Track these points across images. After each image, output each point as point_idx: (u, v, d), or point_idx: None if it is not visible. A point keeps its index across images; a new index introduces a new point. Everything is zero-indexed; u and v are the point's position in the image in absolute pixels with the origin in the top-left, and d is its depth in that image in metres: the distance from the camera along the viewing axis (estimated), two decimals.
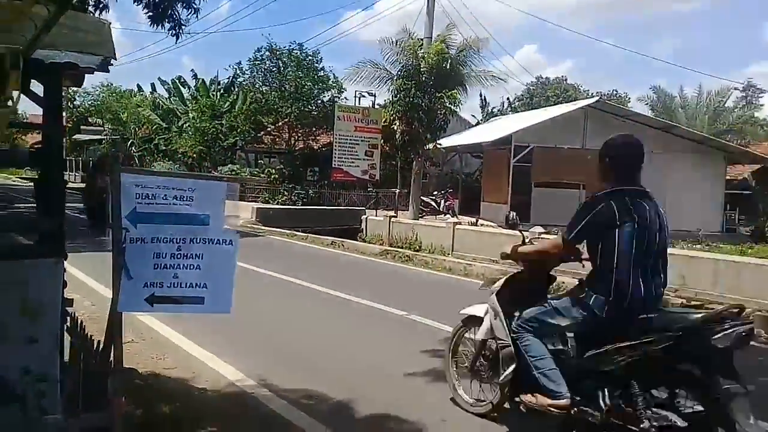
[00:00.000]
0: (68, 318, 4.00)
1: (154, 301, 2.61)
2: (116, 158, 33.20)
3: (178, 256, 2.62)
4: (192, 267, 2.64)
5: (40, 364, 3.14)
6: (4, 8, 2.34)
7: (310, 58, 32.44)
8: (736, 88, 41.03)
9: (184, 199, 2.64)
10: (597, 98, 30.51)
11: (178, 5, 12.17)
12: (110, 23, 5.28)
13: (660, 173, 24.41)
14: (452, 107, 25.33)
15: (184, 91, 38.69)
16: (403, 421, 5.22)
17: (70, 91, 38.62)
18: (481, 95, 45.04)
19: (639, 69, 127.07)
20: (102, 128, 44.09)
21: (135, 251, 2.55)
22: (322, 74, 32.77)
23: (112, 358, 2.70)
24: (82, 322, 3.81)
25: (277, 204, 27.72)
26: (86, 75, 4.75)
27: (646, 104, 38.05)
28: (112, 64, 4.40)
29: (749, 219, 27.01)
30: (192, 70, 42.74)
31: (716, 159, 25.60)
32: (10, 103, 2.54)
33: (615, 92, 53.66)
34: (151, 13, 12.26)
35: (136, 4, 11.90)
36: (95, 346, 3.34)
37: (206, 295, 2.68)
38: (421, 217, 24.96)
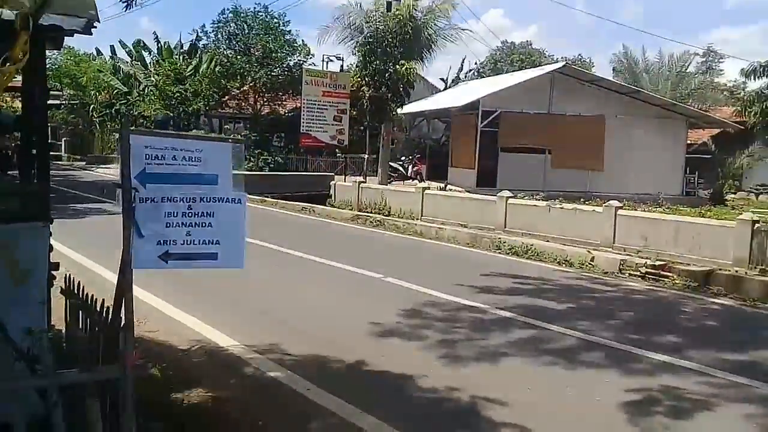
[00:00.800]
0: (63, 280, 4.05)
1: (168, 258, 2.70)
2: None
3: (190, 214, 2.71)
4: (204, 225, 2.73)
5: (30, 324, 3.21)
6: None
7: (276, 21, 31.91)
8: (696, 53, 41.74)
9: (192, 159, 2.71)
10: (563, 63, 30.72)
11: None
12: None
13: (625, 137, 24.97)
14: (416, 71, 25.35)
15: (146, 54, 37.72)
16: (383, 373, 5.42)
17: None
18: (449, 66, 44.87)
19: (604, 34, 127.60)
20: (60, 93, 42.79)
21: (146, 210, 2.63)
22: (289, 38, 32.30)
23: (123, 314, 2.79)
24: (79, 283, 3.86)
25: (244, 170, 27.47)
26: (65, 37, 4.72)
27: (614, 69, 38.53)
28: (95, 27, 4.38)
29: (708, 182, 27.80)
30: (154, 32, 41.68)
31: (678, 124, 26.19)
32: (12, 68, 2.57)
33: (580, 57, 54.10)
34: None
35: None
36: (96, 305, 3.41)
37: (219, 251, 2.78)
38: (390, 183, 25.09)
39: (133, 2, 12.35)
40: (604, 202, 14.17)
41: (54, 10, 4.02)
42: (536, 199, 17.06)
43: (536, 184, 23.00)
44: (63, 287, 3.93)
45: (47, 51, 4.76)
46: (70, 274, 4.12)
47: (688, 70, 36.68)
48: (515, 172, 23.65)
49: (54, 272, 4.08)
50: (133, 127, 21.82)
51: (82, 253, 9.95)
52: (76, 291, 3.80)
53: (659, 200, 21.25)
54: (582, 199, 18.41)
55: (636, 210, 14.74)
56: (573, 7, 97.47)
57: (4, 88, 3.22)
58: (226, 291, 7.97)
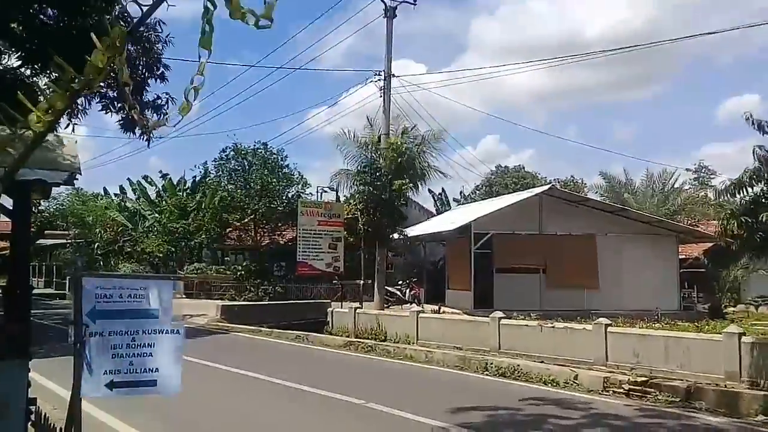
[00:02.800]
0: (32, 414, 4.27)
1: (113, 387, 2.97)
2: (78, 263, 33.32)
3: (133, 345, 3.01)
4: (145, 354, 3.02)
5: None
6: None
7: (274, 156, 33.40)
8: (688, 169, 43.18)
9: (137, 296, 3.05)
10: (550, 185, 31.80)
11: (149, 112, 12.93)
12: (77, 140, 5.83)
13: (616, 254, 25.33)
14: (410, 199, 26.29)
15: (151, 190, 39.24)
16: None
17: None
18: (442, 189, 46.31)
19: (596, 155, 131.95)
20: (67, 233, 44.01)
21: (95, 344, 2.94)
22: (286, 171, 33.67)
23: None
24: (46, 415, 4.09)
25: (244, 300, 27.79)
26: (52, 188, 5.22)
27: (596, 192, 39.74)
28: (77, 179, 4.89)
29: (706, 296, 27.86)
30: (160, 171, 43.45)
31: (668, 239, 26.64)
32: None
33: (572, 178, 55.68)
34: (122, 121, 12.95)
35: (105, 113, 12.60)
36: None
37: (158, 378, 3.06)
38: (387, 307, 25.24)
39: (152, 137, 13.25)
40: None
41: (38, 165, 4.53)
42: (531, 319, 17.16)
43: (533, 304, 23.11)
44: (33, 420, 4.15)
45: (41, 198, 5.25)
46: (40, 408, 4.34)
47: (675, 186, 37.76)
48: (512, 293, 23.81)
49: (31, 407, 4.31)
50: (135, 263, 22.36)
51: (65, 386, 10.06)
52: (43, 423, 4.02)
53: (657, 316, 21.27)
54: (579, 318, 18.47)
55: (632, 327, 14.83)
56: (562, 137, 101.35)
57: None
58: (193, 417, 8.06)
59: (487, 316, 16.34)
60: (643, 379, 10.77)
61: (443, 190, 46.35)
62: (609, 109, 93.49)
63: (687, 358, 11.65)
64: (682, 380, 10.74)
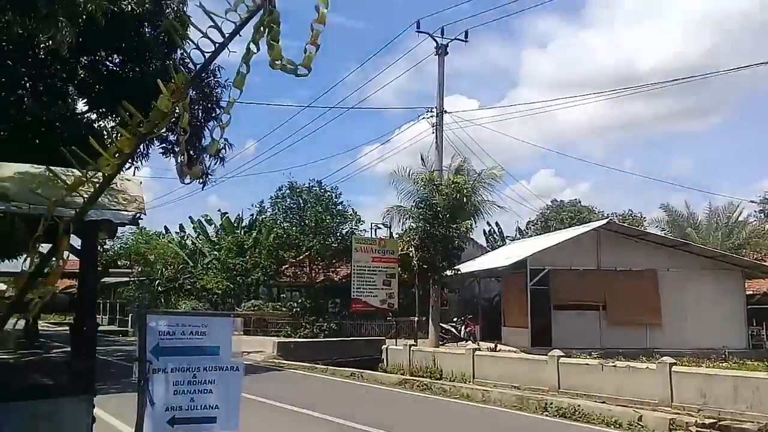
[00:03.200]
0: None
1: (174, 423, 3.04)
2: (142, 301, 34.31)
3: (194, 382, 3.08)
4: (205, 391, 3.08)
5: None
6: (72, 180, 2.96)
7: (328, 193, 33.84)
8: (752, 201, 41.56)
9: (198, 333, 3.13)
10: (608, 219, 31.12)
11: (206, 156, 13.42)
12: (141, 181, 6.06)
13: (678, 291, 24.49)
14: (466, 235, 26.13)
15: (210, 229, 40.28)
16: None
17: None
18: (496, 223, 45.95)
19: (655, 187, 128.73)
20: (130, 270, 45.40)
21: (157, 380, 3.02)
22: (340, 208, 34.01)
23: None
24: None
25: (300, 337, 27.94)
26: (117, 227, 5.43)
27: (656, 226, 38.61)
28: (141, 218, 5.07)
29: None
30: (219, 209, 44.65)
31: (734, 275, 25.60)
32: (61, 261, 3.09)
33: (630, 212, 54.39)
34: (179, 165, 13.47)
35: (165, 156, 13.14)
36: None
37: (218, 415, 3.11)
38: (442, 345, 24.96)
39: (207, 180, 13.69)
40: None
41: (105, 205, 4.73)
42: (591, 358, 16.71)
43: (593, 342, 22.51)
44: None
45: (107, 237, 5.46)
46: None
47: (739, 219, 36.40)
48: (570, 330, 23.27)
49: None
50: (194, 299, 22.86)
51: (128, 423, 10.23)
52: None
53: (724, 354, 20.40)
54: (642, 356, 17.90)
55: (698, 366, 14.29)
56: (619, 169, 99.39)
57: (61, 274, 3.77)
58: None
59: (546, 355, 15.98)
60: (712, 420, 10.31)
61: (497, 224, 45.98)
62: (667, 141, 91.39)
63: (757, 399, 11.11)
64: (752, 422, 10.23)
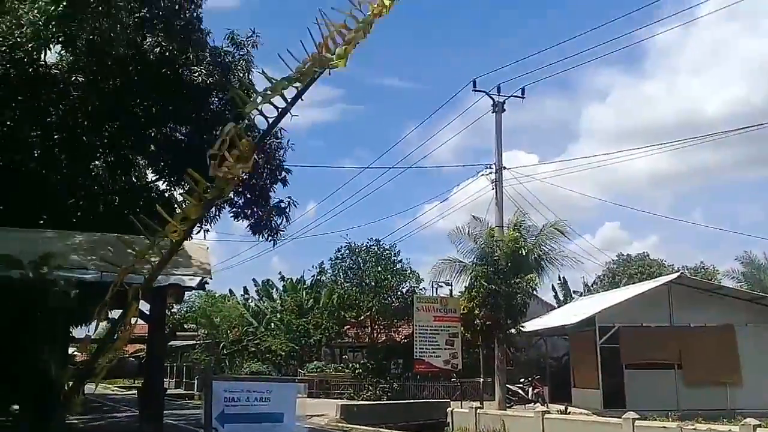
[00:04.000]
0: None
1: None
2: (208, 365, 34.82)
3: None
4: None
5: None
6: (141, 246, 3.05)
7: (387, 252, 33.87)
8: None
9: (263, 399, 3.10)
10: (679, 273, 29.92)
11: (275, 216, 13.83)
12: (207, 246, 6.19)
13: (759, 347, 23.15)
14: (531, 291, 25.54)
15: (273, 292, 40.83)
16: None
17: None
18: (559, 277, 44.87)
19: (726, 238, 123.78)
20: (196, 333, 46.21)
21: None
22: (399, 267, 33.94)
23: None
24: None
25: (362, 399, 27.59)
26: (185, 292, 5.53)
27: (732, 278, 36.82)
28: (208, 283, 5.15)
29: None
30: (279, 272, 45.24)
31: None
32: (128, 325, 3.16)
33: (702, 264, 52.23)
34: (251, 226, 13.99)
35: (236, 220, 13.57)
36: None
37: None
38: (509, 407, 24.14)
39: (277, 238, 14.05)
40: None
41: (173, 271, 4.83)
42: (669, 420, 15.85)
43: (669, 403, 21.38)
44: None
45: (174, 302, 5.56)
46: None
47: None
48: (645, 391, 22.19)
49: None
50: (259, 362, 23.07)
51: None
52: None
53: None
54: (722, 418, 16.88)
55: None
56: (688, 220, 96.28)
57: (129, 339, 3.85)
58: None
59: (620, 417, 15.21)
60: None
61: (564, 280, 44.84)
62: (736, 190, 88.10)
63: None
64: None
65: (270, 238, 13.76)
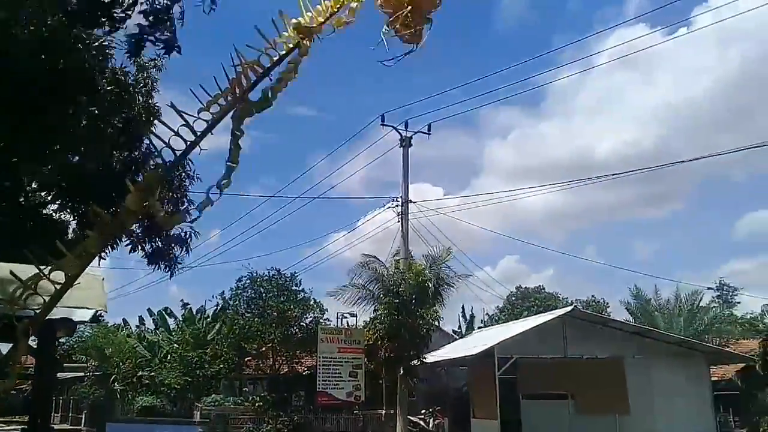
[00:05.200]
0: None
1: None
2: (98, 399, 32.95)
3: None
4: None
5: None
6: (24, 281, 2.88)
7: (288, 281, 33.47)
8: (709, 288, 42.42)
9: None
10: (572, 306, 31.33)
11: (174, 247, 13.26)
12: (103, 278, 5.93)
13: (645, 378, 24.46)
14: (433, 322, 25.90)
15: (171, 321, 39.25)
16: None
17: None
18: (462, 309, 45.88)
19: (616, 274, 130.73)
20: (85, 365, 43.64)
21: None
22: (302, 297, 33.60)
23: None
24: None
25: None
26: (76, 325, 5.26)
27: (627, 308, 38.96)
28: (102, 317, 4.93)
29: (742, 419, 26.53)
30: (182, 300, 43.55)
31: (698, 361, 25.74)
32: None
33: (593, 298, 54.87)
34: (148, 256, 13.30)
35: (132, 251, 12.92)
36: None
37: None
38: None
39: (175, 269, 13.47)
40: None
41: (64, 303, 4.59)
42: None
43: None
44: None
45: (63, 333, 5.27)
46: None
47: (701, 305, 37.01)
48: (540, 420, 22.93)
49: None
50: (152, 395, 21.96)
51: None
52: None
53: None
54: None
55: None
56: (581, 256, 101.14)
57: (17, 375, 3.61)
58: None
59: None
60: None
61: (463, 311, 45.83)
62: (627, 228, 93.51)
63: None
64: None
65: (167, 269, 13.20)
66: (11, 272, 2.96)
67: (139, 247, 12.44)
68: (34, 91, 10.29)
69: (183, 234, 13.22)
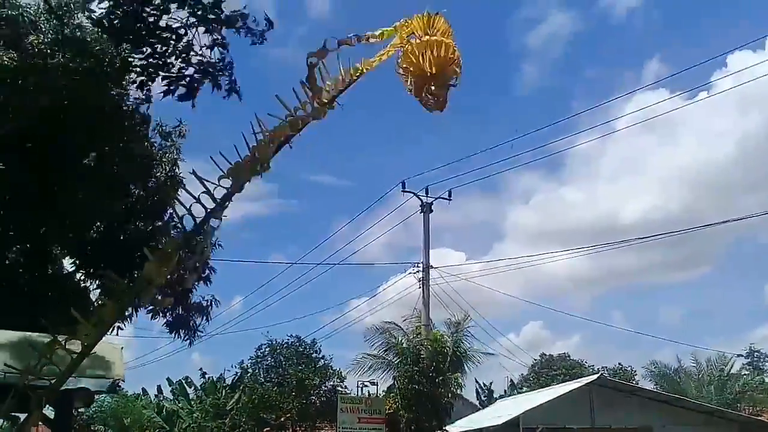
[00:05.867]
0: None
1: None
2: None
3: None
4: None
5: None
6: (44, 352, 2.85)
7: (308, 350, 33.14)
8: (739, 354, 41.13)
9: None
10: (599, 374, 30.50)
11: (194, 315, 13.24)
12: (123, 347, 5.89)
13: None
14: (456, 391, 25.30)
15: (190, 391, 38.79)
16: None
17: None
18: (476, 381, 44.65)
19: (644, 339, 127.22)
20: None
21: None
22: (322, 364, 33.15)
23: None
24: None
25: None
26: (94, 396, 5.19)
27: (649, 380, 37.81)
28: (120, 387, 4.88)
29: None
30: (201, 369, 43.01)
31: (730, 430, 24.75)
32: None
33: (620, 366, 53.32)
34: (168, 324, 13.27)
35: (152, 318, 12.87)
36: None
37: None
38: None
39: (194, 338, 13.35)
40: None
41: (82, 373, 4.54)
42: None
43: None
44: None
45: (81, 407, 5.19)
46: None
47: (731, 372, 35.81)
48: None
49: None
50: None
51: None
52: None
53: None
54: None
55: None
56: (607, 322, 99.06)
57: None
58: None
59: None
60: None
61: (487, 384, 44.78)
62: (654, 293, 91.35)
63: None
64: None
65: (187, 337, 13.13)
66: (28, 342, 2.94)
67: (160, 314, 12.41)
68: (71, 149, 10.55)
69: (204, 302, 13.23)
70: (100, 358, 4.69)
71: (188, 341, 13.28)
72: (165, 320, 12.89)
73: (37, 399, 2.79)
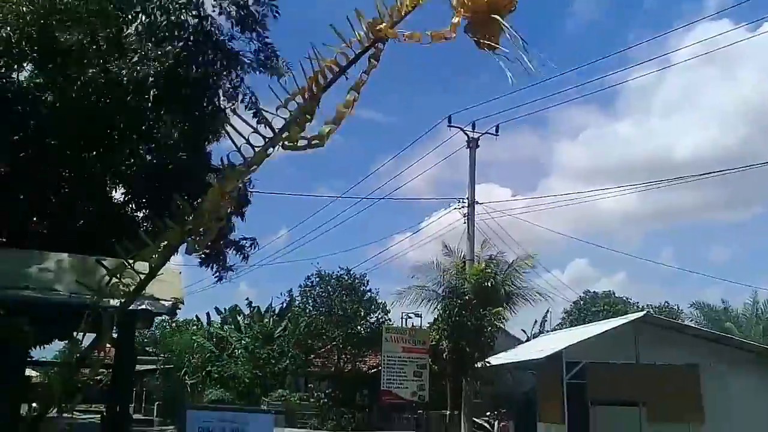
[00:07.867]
0: None
1: None
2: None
3: None
4: None
5: None
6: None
7: (356, 282, 33.74)
8: None
9: (238, 430, 3.03)
10: (645, 312, 30.28)
11: (228, 251, 13.27)
12: (180, 271, 6.10)
13: (722, 387, 23.43)
14: (498, 324, 25.57)
15: (240, 319, 40.24)
16: None
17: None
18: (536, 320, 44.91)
19: (692, 278, 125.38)
20: (157, 358, 45.12)
21: None
22: (368, 296, 33.80)
23: None
24: None
25: (327, 429, 27.20)
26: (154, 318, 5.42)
27: (692, 320, 37.37)
28: (179, 309, 5.07)
29: None
30: (247, 298, 44.38)
31: None
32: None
33: (667, 304, 52.88)
34: (201, 258, 13.27)
35: (203, 266, 13.02)
36: None
37: None
38: None
39: (225, 275, 13.57)
40: None
41: (144, 296, 4.73)
42: None
43: None
44: None
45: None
46: None
47: None
48: (609, 427, 22.28)
49: None
50: (221, 388, 22.50)
51: None
52: None
53: None
54: None
55: None
56: (655, 260, 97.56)
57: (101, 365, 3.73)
58: None
59: None
60: None
61: (537, 320, 44.99)
62: (705, 231, 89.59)
63: None
64: None
65: (218, 272, 13.16)
66: (97, 260, 3.07)
67: (210, 261, 12.62)
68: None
69: (243, 241, 13.21)
70: (161, 281, 4.85)
71: (218, 279, 13.39)
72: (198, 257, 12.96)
73: (110, 318, 2.93)
